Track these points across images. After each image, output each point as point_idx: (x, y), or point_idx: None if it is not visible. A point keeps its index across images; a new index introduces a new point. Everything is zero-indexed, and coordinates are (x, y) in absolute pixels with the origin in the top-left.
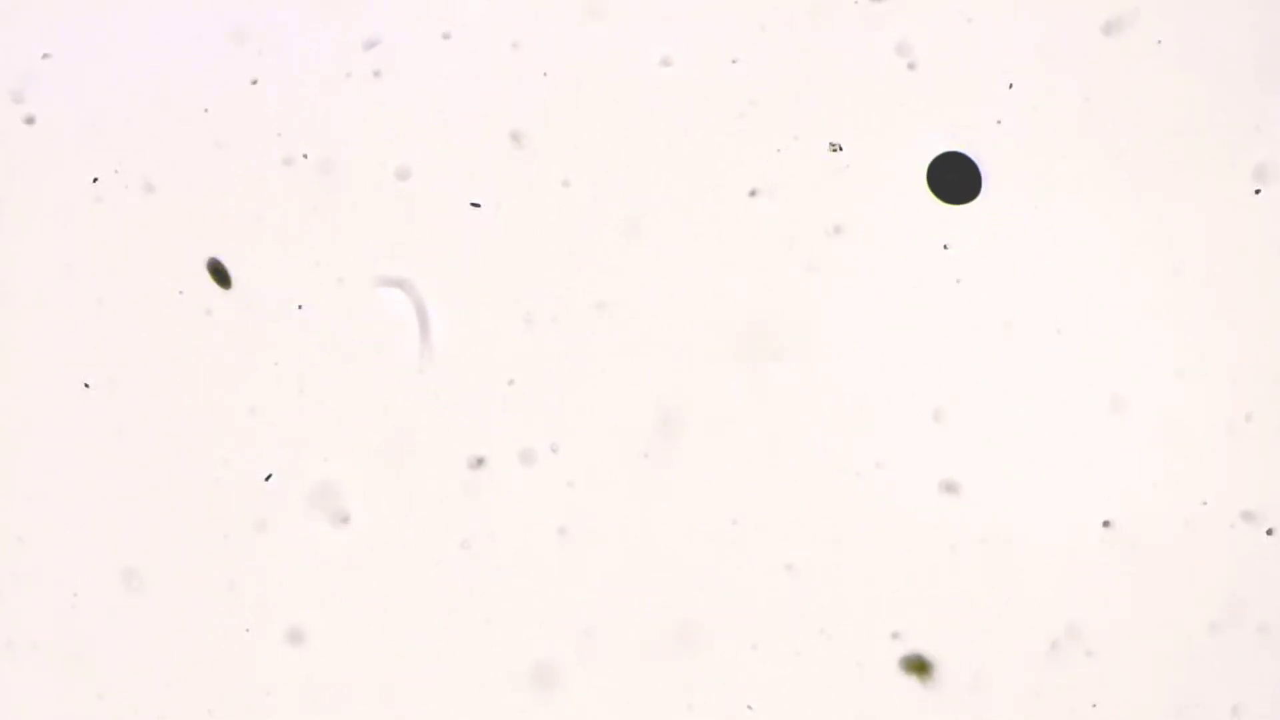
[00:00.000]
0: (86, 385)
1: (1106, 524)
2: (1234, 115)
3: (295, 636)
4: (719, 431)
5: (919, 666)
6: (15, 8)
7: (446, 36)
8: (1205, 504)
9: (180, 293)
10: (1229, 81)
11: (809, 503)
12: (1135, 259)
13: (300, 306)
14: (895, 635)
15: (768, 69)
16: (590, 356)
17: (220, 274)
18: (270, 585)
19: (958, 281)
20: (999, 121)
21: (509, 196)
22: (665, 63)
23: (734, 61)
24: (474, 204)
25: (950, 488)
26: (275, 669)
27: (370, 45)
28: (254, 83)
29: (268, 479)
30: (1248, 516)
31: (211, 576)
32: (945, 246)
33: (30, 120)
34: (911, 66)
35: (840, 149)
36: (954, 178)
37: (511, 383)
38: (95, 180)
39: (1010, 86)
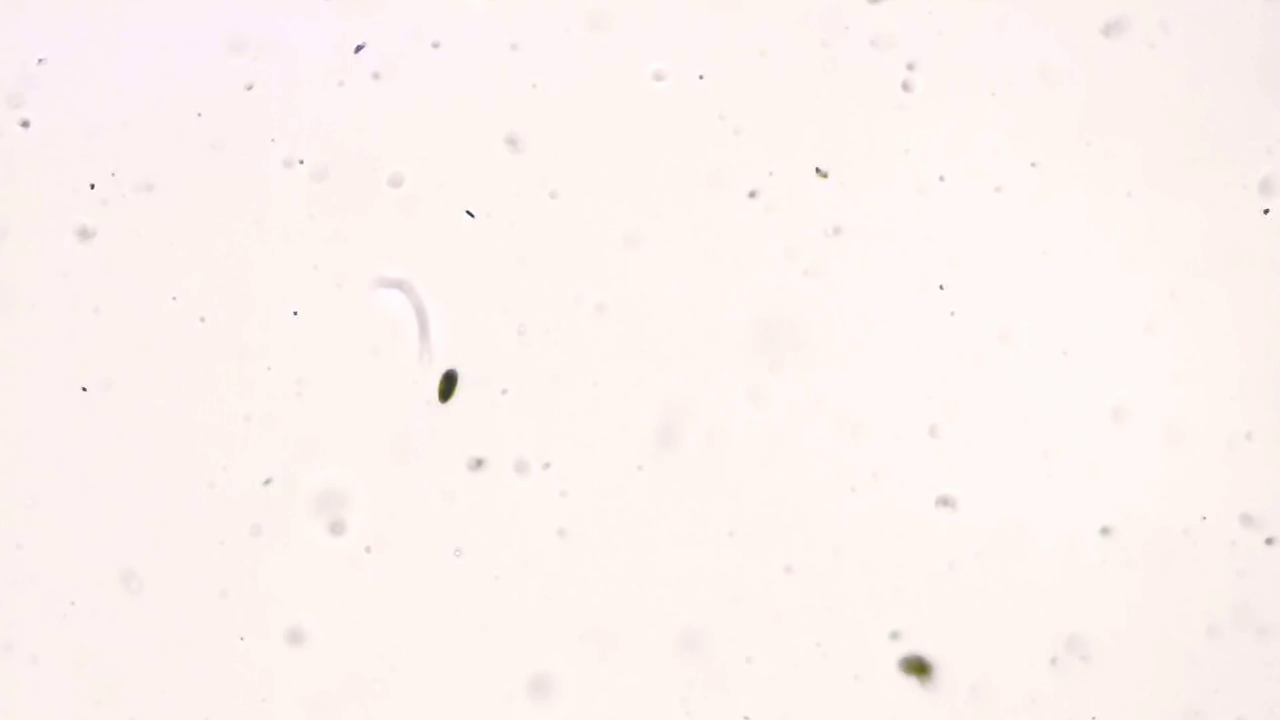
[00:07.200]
0: (84, 390)
1: (1105, 531)
2: (1238, 127)
3: (292, 641)
4: (715, 443)
5: (918, 667)
6: (11, 12)
7: (439, 45)
8: (1205, 519)
9: (173, 299)
10: (1233, 93)
11: (806, 513)
12: (1135, 270)
13: (295, 312)
14: (894, 635)
15: (768, 72)
16: (585, 366)
17: None
18: (266, 591)
19: (955, 297)
20: (999, 128)
21: (503, 204)
22: (658, 76)
23: (732, 66)
24: (468, 213)
25: (948, 495)
26: (272, 674)
27: (360, 49)
28: (249, 88)
29: (267, 483)
30: (1247, 524)
31: (208, 582)
32: (945, 256)
33: (26, 124)
34: (911, 67)
35: (826, 175)
36: None
37: (505, 392)
38: (93, 187)
39: (1011, 93)
